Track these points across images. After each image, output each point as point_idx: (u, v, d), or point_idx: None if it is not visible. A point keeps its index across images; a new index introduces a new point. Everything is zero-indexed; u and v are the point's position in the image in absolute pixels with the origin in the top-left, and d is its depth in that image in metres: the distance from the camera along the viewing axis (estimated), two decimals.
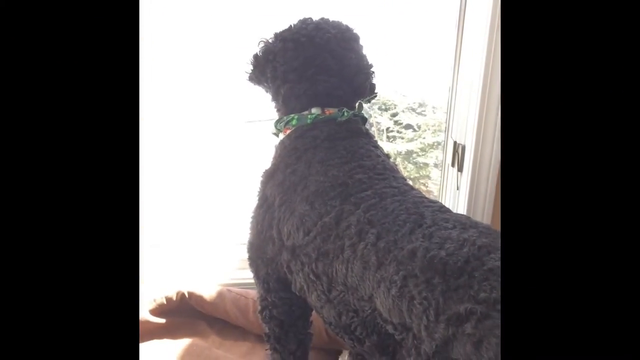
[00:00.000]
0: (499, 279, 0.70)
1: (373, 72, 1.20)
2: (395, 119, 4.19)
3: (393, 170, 1.04)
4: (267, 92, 1.24)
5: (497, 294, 0.68)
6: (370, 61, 1.20)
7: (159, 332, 1.52)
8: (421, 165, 4.05)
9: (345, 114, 1.10)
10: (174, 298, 1.56)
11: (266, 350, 1.24)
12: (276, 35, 1.17)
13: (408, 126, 4.19)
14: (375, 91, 1.22)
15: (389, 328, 0.84)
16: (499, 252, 0.75)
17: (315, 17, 1.19)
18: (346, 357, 1.38)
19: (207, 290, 1.56)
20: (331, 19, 1.19)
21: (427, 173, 4.09)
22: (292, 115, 1.12)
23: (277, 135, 1.18)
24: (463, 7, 1.39)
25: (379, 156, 1.06)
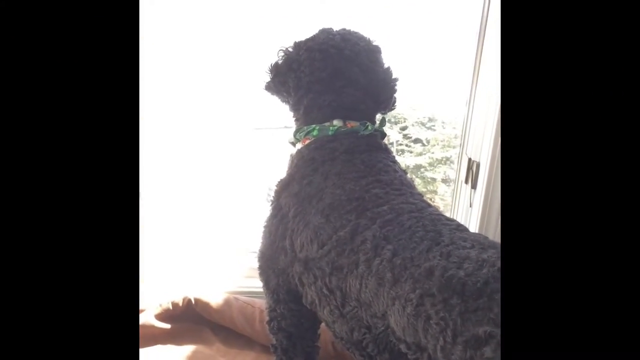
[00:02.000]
0: None
1: (396, 86, 1.20)
2: (405, 132, 4.19)
3: (410, 186, 1.03)
4: (283, 101, 1.24)
5: None
6: (395, 74, 1.20)
7: (163, 338, 1.51)
8: (429, 180, 4.03)
9: (370, 127, 1.10)
10: (180, 304, 1.55)
11: None
12: (299, 45, 1.17)
13: (417, 140, 4.18)
14: (395, 105, 1.21)
15: (402, 347, 0.82)
16: None
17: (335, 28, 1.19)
18: None
19: (214, 297, 1.55)
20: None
21: (435, 188, 4.08)
22: (314, 125, 1.11)
23: (294, 144, 1.18)
24: (484, 19, 1.38)
25: (396, 171, 1.06)
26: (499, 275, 0.74)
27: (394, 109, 1.23)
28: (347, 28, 1.18)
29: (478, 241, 0.84)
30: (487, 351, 0.66)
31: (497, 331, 0.67)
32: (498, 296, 0.71)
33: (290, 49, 1.18)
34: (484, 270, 0.75)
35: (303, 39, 1.18)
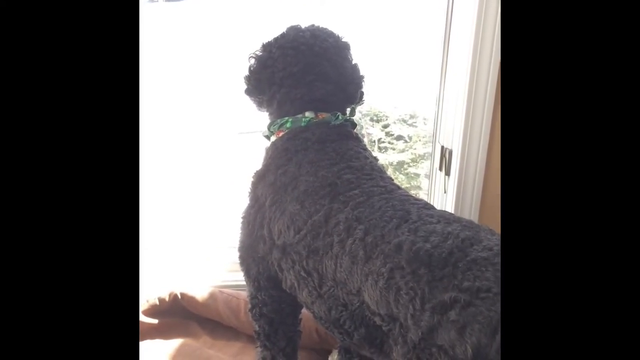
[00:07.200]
0: (482, 269, 0.74)
1: (364, 82, 1.25)
2: (387, 130, 4.24)
3: (380, 171, 1.07)
4: (260, 103, 1.26)
5: (479, 283, 0.72)
6: (361, 71, 1.24)
7: (151, 333, 1.53)
8: (412, 175, 4.08)
9: (340, 117, 1.15)
10: (167, 299, 1.57)
11: (256, 347, 1.26)
12: (269, 44, 1.20)
13: (399, 137, 4.23)
14: (364, 99, 1.26)
15: (377, 320, 0.87)
16: (482, 244, 0.78)
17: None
18: (335, 356, 1.40)
19: (200, 292, 1.58)
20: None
21: (418, 183, 4.12)
22: (287, 118, 1.15)
23: (268, 138, 1.21)
24: (449, 20, 1.43)
25: (367, 158, 1.10)
26: (462, 245, 0.79)
27: (362, 103, 1.27)
28: (316, 24, 1.22)
29: (444, 217, 0.89)
30: (452, 315, 0.71)
31: (461, 296, 0.72)
32: (462, 264, 0.76)
33: (258, 52, 1.22)
34: (449, 242, 0.80)
35: (271, 39, 1.21)
